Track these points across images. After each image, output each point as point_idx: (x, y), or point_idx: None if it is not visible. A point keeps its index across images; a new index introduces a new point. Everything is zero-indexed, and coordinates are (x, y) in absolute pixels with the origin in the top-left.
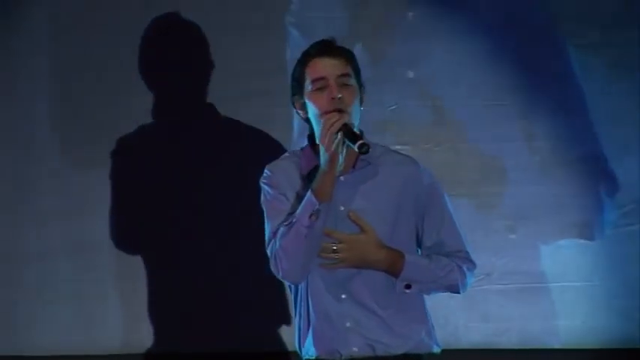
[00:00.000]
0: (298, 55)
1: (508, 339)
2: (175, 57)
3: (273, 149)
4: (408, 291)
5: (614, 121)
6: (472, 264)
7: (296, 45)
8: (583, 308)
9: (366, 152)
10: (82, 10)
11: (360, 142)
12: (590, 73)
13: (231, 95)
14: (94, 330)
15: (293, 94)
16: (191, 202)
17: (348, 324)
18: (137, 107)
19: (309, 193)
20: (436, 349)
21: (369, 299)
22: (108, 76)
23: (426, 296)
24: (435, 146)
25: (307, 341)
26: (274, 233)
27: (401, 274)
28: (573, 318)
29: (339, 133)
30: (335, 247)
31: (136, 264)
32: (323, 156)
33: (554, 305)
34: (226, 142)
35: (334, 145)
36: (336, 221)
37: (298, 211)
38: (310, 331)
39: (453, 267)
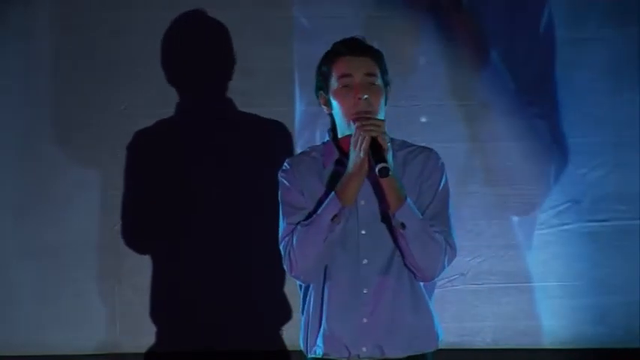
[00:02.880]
0: (303, 54)
1: (482, 339)
2: (176, 55)
3: (275, 147)
4: (402, 231)
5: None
6: (452, 250)
7: (303, 42)
8: (556, 308)
9: (385, 176)
10: (82, 9)
11: (382, 165)
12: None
13: (232, 93)
14: (84, 329)
15: (318, 89)
16: (189, 200)
17: (365, 320)
18: (123, 106)
19: (332, 194)
20: (439, 344)
21: (391, 295)
22: (100, 74)
23: None
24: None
25: (315, 338)
26: (291, 232)
27: (403, 206)
28: (546, 317)
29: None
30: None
31: (121, 263)
32: (352, 160)
33: (528, 305)
34: (228, 141)
35: (364, 152)
36: (357, 214)
37: (320, 211)
38: (321, 327)
39: (439, 236)
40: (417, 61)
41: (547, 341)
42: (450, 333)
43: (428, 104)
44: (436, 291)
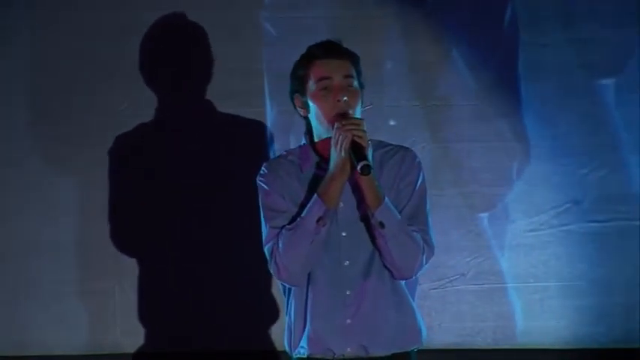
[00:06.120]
0: (274, 54)
1: (483, 339)
2: (153, 57)
3: (267, 148)
4: (381, 230)
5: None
6: (430, 249)
7: (271, 44)
8: (556, 308)
9: (367, 174)
10: (62, 9)
11: (364, 163)
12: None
13: (228, 94)
14: (84, 329)
15: (294, 92)
16: (180, 201)
17: (348, 320)
18: (113, 107)
19: (315, 197)
20: (423, 341)
21: (373, 295)
22: (85, 75)
23: None
24: (408, 146)
25: (299, 339)
26: (276, 236)
27: (381, 205)
28: (547, 318)
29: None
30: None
31: (121, 263)
32: (334, 160)
33: (528, 305)
34: (220, 141)
35: (346, 152)
36: (337, 216)
37: (304, 214)
38: (305, 329)
39: (417, 235)
40: (384, 63)
41: (547, 341)
42: (450, 333)
43: (424, 105)
44: (436, 291)
